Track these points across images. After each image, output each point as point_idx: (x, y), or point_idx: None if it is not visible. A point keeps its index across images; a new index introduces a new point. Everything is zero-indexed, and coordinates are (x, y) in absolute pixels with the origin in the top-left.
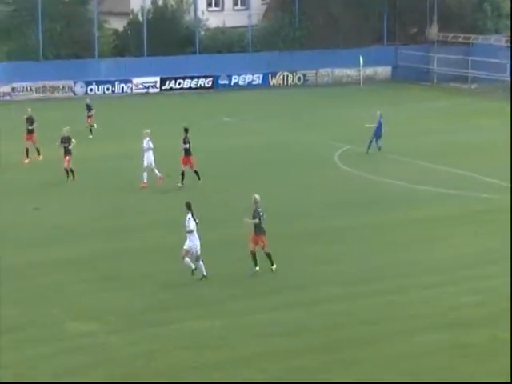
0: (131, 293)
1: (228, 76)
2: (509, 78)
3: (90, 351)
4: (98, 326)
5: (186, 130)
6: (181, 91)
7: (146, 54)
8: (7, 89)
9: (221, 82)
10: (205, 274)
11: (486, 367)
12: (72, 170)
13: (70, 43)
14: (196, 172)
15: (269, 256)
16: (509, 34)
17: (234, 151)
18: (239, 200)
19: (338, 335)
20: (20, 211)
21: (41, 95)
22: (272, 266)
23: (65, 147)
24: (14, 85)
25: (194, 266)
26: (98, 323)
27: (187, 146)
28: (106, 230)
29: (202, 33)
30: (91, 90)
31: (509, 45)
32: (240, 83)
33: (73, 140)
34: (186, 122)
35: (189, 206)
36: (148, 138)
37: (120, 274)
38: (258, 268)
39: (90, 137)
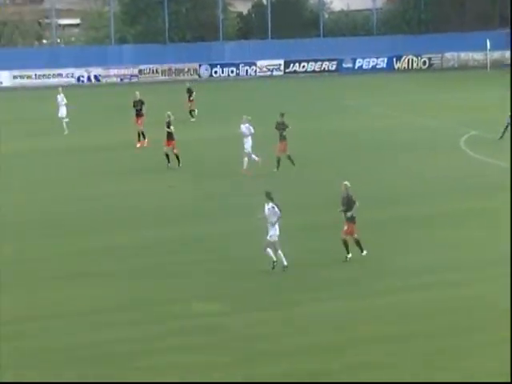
0: (252, 274)
1: (352, 59)
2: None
3: (210, 331)
4: (219, 306)
5: (282, 115)
6: (304, 74)
7: (270, 37)
8: (134, 71)
9: (345, 65)
10: (285, 263)
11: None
12: (168, 156)
13: (195, 26)
14: (279, 161)
15: (345, 244)
16: None
17: (354, 134)
18: (354, 181)
19: (439, 323)
20: (139, 191)
21: (166, 77)
22: (347, 254)
23: (168, 132)
24: (141, 67)
25: (274, 258)
26: (219, 303)
27: (284, 132)
28: (214, 211)
29: (326, 16)
30: (216, 72)
31: None
32: (364, 67)
33: (171, 127)
34: (308, 104)
35: (269, 195)
36: (248, 124)
37: (241, 256)
38: (365, 252)
39: (193, 120)
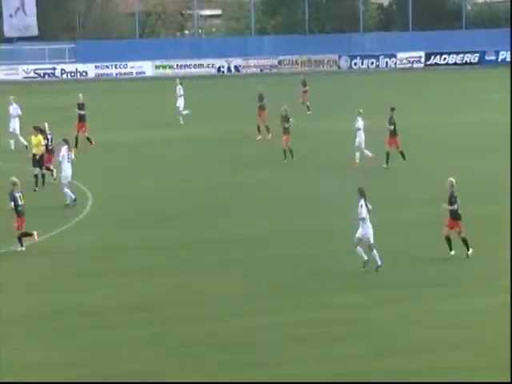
0: (386, 267)
1: (495, 52)
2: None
3: (352, 323)
4: (362, 298)
5: (392, 110)
6: (445, 67)
7: (410, 29)
8: (274, 62)
9: (487, 57)
10: (379, 263)
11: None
12: (291, 150)
13: (335, 17)
14: (402, 153)
15: (464, 241)
16: None
17: (491, 126)
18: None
19: None
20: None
21: (306, 69)
22: (468, 251)
23: (283, 126)
24: (281, 58)
25: (366, 258)
26: (361, 296)
27: (392, 127)
28: (331, 203)
29: (469, 7)
30: (355, 64)
31: None
32: (507, 59)
33: (291, 119)
34: (447, 97)
35: (361, 193)
36: (359, 118)
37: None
38: (453, 252)
39: (309, 113)
